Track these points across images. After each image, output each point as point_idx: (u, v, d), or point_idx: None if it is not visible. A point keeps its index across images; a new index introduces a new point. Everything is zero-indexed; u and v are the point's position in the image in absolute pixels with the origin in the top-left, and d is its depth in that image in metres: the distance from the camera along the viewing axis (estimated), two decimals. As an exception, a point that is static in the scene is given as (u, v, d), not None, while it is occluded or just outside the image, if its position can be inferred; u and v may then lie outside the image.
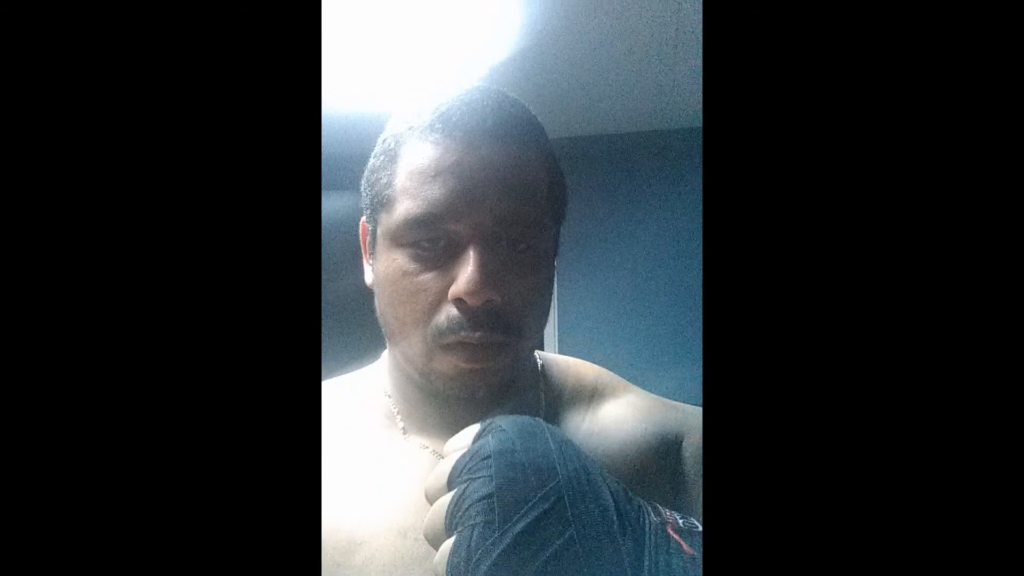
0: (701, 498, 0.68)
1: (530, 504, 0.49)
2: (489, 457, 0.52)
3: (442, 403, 0.69)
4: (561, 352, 0.93)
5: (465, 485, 0.51)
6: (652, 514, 0.53)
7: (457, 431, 0.58)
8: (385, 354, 0.76)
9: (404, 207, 0.62)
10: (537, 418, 0.57)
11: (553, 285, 0.70)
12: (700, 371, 0.46)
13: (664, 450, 0.71)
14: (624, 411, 0.75)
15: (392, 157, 0.65)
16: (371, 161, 0.69)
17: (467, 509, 0.50)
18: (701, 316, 0.47)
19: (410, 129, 0.65)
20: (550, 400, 0.75)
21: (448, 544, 0.51)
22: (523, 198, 0.63)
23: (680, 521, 0.54)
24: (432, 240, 0.62)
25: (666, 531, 0.52)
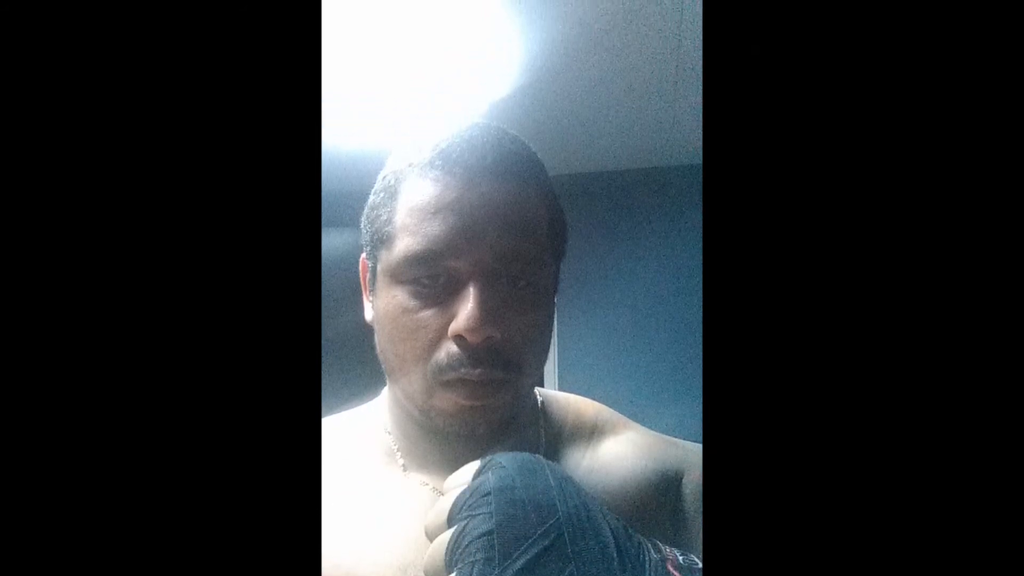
0: (701, 535, 0.67)
1: (530, 541, 0.49)
2: (489, 494, 0.52)
3: (442, 440, 0.69)
4: (561, 389, 0.93)
5: (465, 522, 0.51)
6: (652, 551, 0.53)
7: (457, 468, 0.57)
8: (385, 391, 0.76)
9: (404, 244, 0.63)
10: (537, 455, 0.57)
11: (553, 322, 0.71)
12: (700, 408, 0.46)
13: (664, 487, 0.71)
14: (624, 448, 0.74)
15: (392, 194, 0.66)
16: (371, 198, 0.69)
17: (467, 546, 0.50)
18: (701, 353, 0.47)
19: (410, 166, 0.65)
20: (550, 437, 0.75)
21: (448, 581, 0.50)
22: (523, 235, 0.63)
23: (680, 558, 0.53)
24: (432, 277, 0.62)
25: (666, 568, 0.52)
